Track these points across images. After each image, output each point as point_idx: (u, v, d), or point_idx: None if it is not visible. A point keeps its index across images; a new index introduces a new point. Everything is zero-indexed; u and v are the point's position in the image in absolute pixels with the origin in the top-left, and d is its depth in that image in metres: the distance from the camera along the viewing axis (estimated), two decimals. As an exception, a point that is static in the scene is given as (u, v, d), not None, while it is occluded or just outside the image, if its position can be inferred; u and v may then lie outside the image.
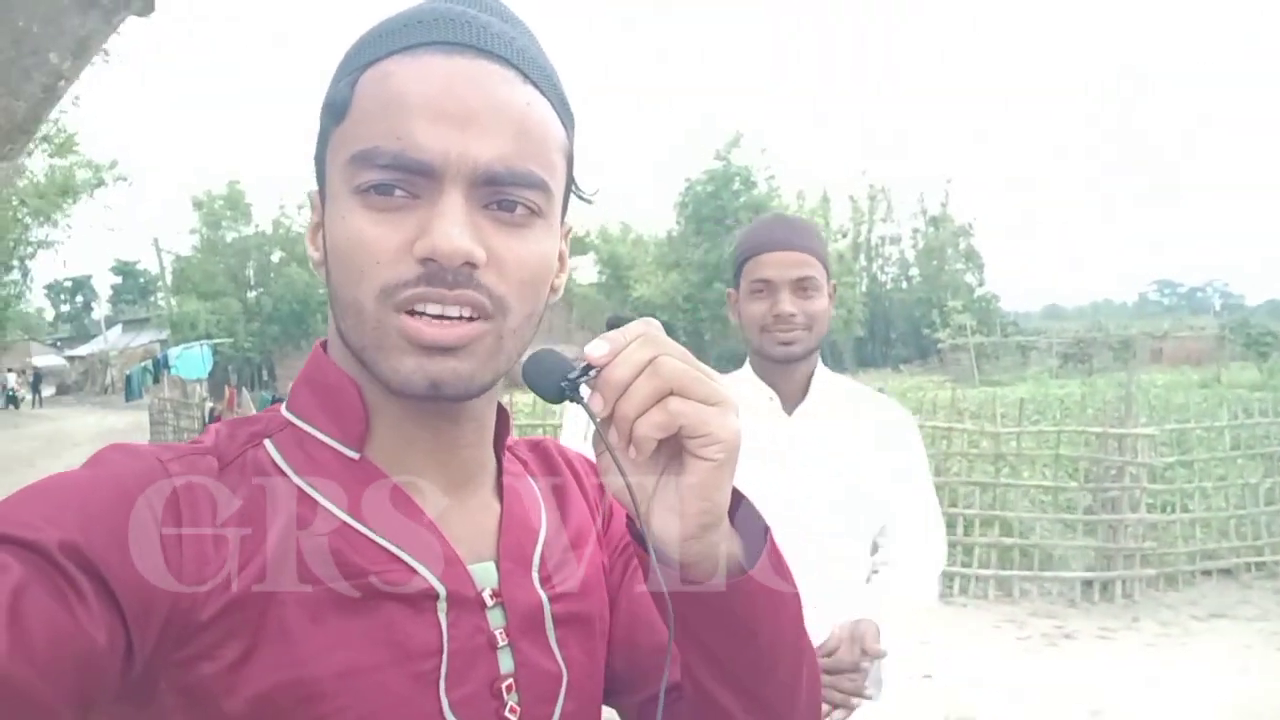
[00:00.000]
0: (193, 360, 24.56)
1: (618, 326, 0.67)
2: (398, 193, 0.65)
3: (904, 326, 45.59)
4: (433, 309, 0.65)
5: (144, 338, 38.33)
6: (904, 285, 47.63)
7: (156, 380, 21.97)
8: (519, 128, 0.67)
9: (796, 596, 0.71)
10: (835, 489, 1.80)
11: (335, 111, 0.68)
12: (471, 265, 0.64)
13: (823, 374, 1.91)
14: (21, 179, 21.08)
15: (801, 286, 1.80)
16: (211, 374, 21.95)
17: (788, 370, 1.86)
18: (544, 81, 0.70)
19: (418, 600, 0.69)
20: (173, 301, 30.53)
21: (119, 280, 63.02)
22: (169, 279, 32.52)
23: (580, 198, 0.80)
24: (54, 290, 70.52)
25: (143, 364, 26.74)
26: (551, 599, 0.77)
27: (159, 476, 0.64)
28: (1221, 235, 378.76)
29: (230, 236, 32.61)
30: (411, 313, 0.65)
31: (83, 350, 45.02)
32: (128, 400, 26.58)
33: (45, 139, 20.89)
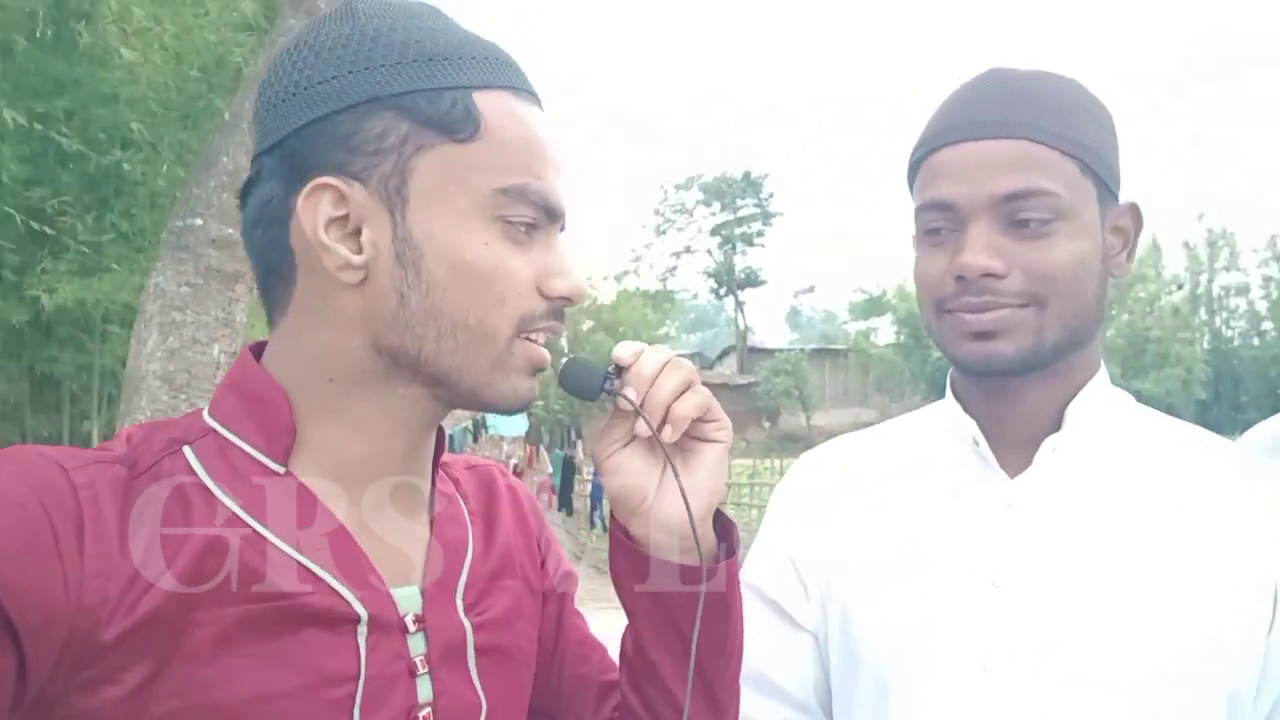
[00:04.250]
0: (511, 420, 28.03)
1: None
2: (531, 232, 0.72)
3: (1256, 388, 40.29)
4: (543, 339, 0.74)
5: None
6: (1254, 341, 42.46)
7: (476, 439, 27.61)
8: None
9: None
10: (1126, 624, 0.88)
11: (456, 127, 0.69)
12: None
13: (1095, 393, 0.97)
14: None
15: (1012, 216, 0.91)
16: (527, 433, 24.60)
17: (1001, 390, 0.97)
18: None
19: (337, 623, 0.67)
20: None
21: None
22: None
23: None
24: None
25: (462, 425, 26.05)
26: (475, 627, 0.75)
27: (60, 485, 0.61)
28: None
29: None
30: (528, 339, 0.73)
31: None
32: None
33: None
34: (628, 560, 0.79)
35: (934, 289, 0.94)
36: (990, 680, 0.89)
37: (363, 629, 0.68)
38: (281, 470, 0.70)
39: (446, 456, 0.84)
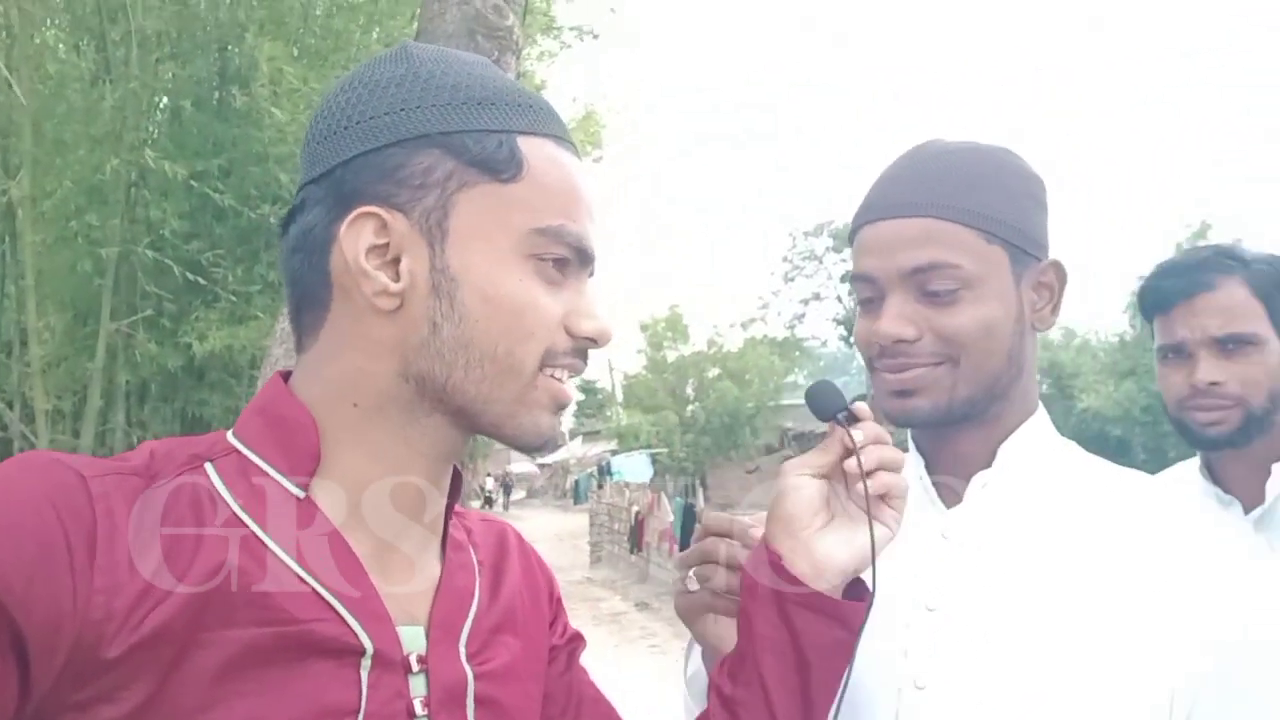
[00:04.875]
0: (635, 466, 28.53)
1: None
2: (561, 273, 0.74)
3: None
4: (569, 376, 0.76)
5: (598, 448, 41.37)
6: None
7: (600, 486, 25.34)
8: None
9: None
10: (1050, 645, 0.94)
11: (500, 167, 0.71)
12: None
13: (1028, 436, 1.04)
14: None
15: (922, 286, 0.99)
16: (651, 480, 25.38)
17: (937, 433, 1.05)
18: None
19: (341, 654, 0.66)
20: (621, 414, 33.39)
21: (582, 397, 66.33)
22: (619, 395, 36.09)
23: None
24: None
25: (588, 471, 30.35)
26: (476, 676, 0.75)
27: (76, 493, 0.60)
28: None
29: (671, 356, 34.25)
30: (552, 376, 0.74)
31: (550, 459, 50.42)
32: (575, 503, 31.16)
33: None
34: (770, 580, 0.84)
35: (865, 349, 1.05)
36: (925, 697, 0.96)
37: (366, 662, 0.68)
38: (301, 494, 0.71)
39: (462, 510, 0.87)
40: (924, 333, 0.98)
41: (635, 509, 16.06)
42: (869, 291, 1.03)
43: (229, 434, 0.74)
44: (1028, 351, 1.03)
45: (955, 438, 1.03)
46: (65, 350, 7.67)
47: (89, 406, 7.13)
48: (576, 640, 0.95)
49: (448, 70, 0.74)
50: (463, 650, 0.76)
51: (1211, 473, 1.63)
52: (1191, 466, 1.69)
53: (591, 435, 48.91)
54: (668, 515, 13.85)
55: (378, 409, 0.73)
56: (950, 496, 1.04)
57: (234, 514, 0.68)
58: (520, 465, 51.56)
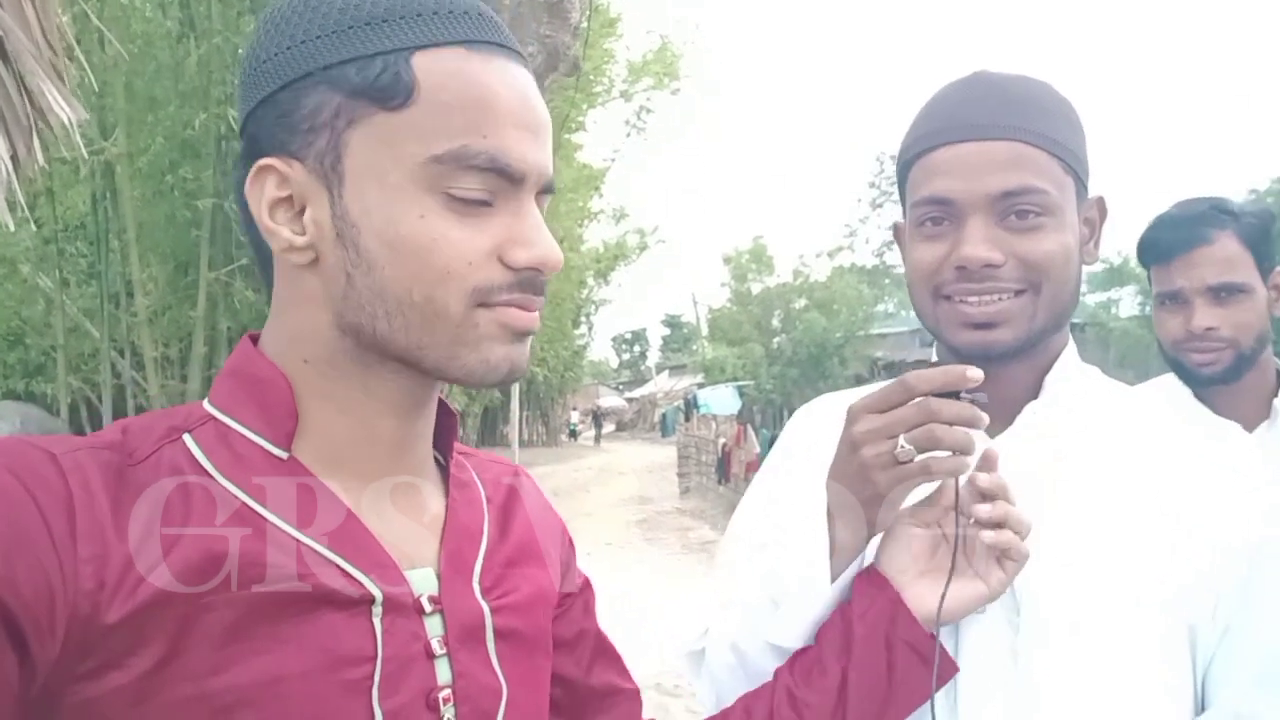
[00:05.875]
0: (721, 399, 28.55)
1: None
2: (484, 198, 0.66)
3: None
4: (523, 317, 0.69)
5: (685, 381, 41.39)
6: None
7: (688, 418, 25.83)
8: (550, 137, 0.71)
9: None
10: (1096, 562, 0.97)
11: (386, 94, 0.64)
12: (540, 272, 0.69)
13: (1068, 365, 1.07)
14: (583, 247, 25.49)
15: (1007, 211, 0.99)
16: (739, 413, 24.74)
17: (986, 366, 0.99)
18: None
19: (351, 605, 0.66)
20: (707, 348, 32.23)
21: (667, 331, 70.19)
22: (704, 328, 33.82)
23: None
24: (617, 341, 77.48)
25: (675, 404, 30.52)
26: (493, 610, 0.74)
27: (47, 471, 0.60)
28: None
29: (756, 288, 33.74)
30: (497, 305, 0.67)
31: (638, 393, 52.55)
32: (663, 436, 31.95)
33: (602, 212, 25.29)
34: (888, 610, 0.90)
35: (931, 277, 1.01)
36: (975, 618, 0.97)
37: (378, 609, 0.67)
38: (284, 455, 0.69)
39: (468, 449, 0.85)
40: (1008, 259, 0.97)
41: (722, 441, 16.22)
42: (941, 215, 1.00)
43: (205, 402, 0.72)
44: (1080, 284, 1.05)
45: (1009, 369, 1.01)
46: (169, 300, 8.02)
47: (194, 353, 7.45)
48: (588, 589, 0.94)
49: (379, 3, 0.66)
50: (476, 587, 0.74)
51: (1205, 405, 1.80)
52: (1171, 379, 1.86)
53: (678, 369, 48.86)
54: (754, 447, 13.91)
55: (329, 363, 0.70)
56: (993, 426, 1.01)
57: (218, 483, 0.66)
58: (609, 400, 52.09)
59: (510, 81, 0.67)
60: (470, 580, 0.74)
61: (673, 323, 70.40)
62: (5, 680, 0.55)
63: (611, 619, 1.03)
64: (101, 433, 0.68)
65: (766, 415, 32.39)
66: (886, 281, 45.37)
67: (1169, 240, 1.76)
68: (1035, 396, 1.04)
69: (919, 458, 0.86)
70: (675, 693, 5.77)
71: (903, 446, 0.86)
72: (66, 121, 3.80)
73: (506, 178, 0.67)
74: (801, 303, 33.05)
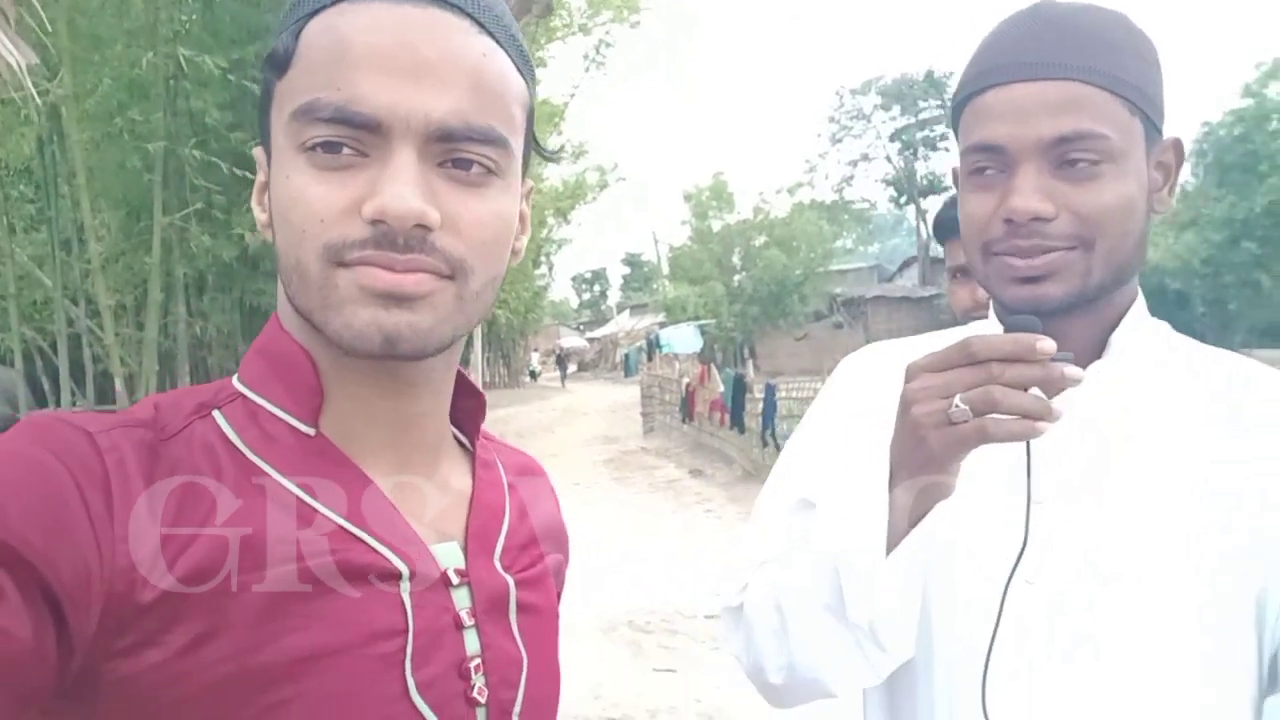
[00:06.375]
0: (684, 338, 28.74)
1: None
2: (345, 151, 0.63)
3: None
4: (383, 277, 0.63)
5: (646, 321, 41.46)
6: None
7: (650, 358, 25.51)
8: (475, 80, 0.65)
9: None
10: (1163, 527, 0.94)
11: (278, 63, 0.66)
12: (425, 228, 0.63)
13: (1136, 322, 1.00)
14: (543, 185, 25.45)
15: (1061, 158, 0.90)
16: (701, 352, 25.77)
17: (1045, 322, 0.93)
18: (501, 32, 0.68)
19: (381, 579, 0.67)
20: (668, 287, 32.27)
21: (628, 270, 69.32)
22: (665, 267, 34.80)
23: (542, 155, 0.80)
24: (577, 281, 77.34)
25: (637, 344, 30.69)
26: (516, 583, 0.76)
27: (84, 449, 0.60)
28: None
29: (716, 225, 34.05)
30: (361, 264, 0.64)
31: (599, 333, 51.89)
32: (625, 376, 31.73)
33: (562, 150, 24.87)
34: None
35: (981, 231, 0.94)
36: (1034, 592, 0.93)
37: (406, 584, 0.68)
38: (311, 432, 0.69)
39: (491, 435, 0.86)
40: (1060, 211, 0.89)
41: (685, 380, 16.33)
42: (991, 162, 0.92)
43: (234, 379, 0.72)
44: (1147, 236, 0.96)
45: (1067, 325, 0.93)
46: (122, 246, 7.85)
47: (150, 300, 7.32)
48: (561, 585, 0.94)
49: None
50: (498, 562, 0.76)
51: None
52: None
53: (639, 308, 48.54)
54: (718, 385, 14.01)
55: (314, 338, 0.69)
56: None
57: (248, 460, 0.67)
58: (570, 340, 51.98)
59: (378, 25, 0.63)
60: (493, 555, 0.76)
61: (633, 261, 70.24)
62: (45, 656, 0.55)
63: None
64: (133, 409, 0.68)
65: (728, 354, 32.85)
66: (845, 217, 45.50)
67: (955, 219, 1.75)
68: (1099, 356, 0.97)
69: (974, 420, 0.80)
70: (648, 629, 5.90)
71: (957, 406, 0.80)
72: (15, 64, 3.64)
73: (363, 128, 0.62)
74: (762, 240, 33.14)
